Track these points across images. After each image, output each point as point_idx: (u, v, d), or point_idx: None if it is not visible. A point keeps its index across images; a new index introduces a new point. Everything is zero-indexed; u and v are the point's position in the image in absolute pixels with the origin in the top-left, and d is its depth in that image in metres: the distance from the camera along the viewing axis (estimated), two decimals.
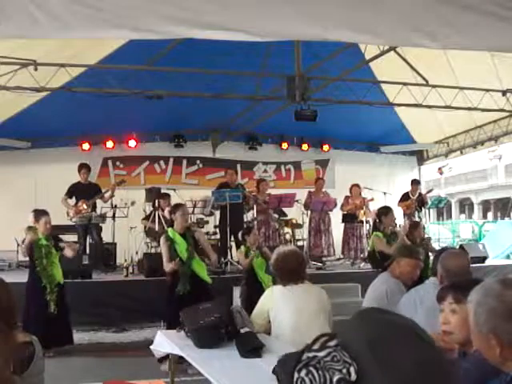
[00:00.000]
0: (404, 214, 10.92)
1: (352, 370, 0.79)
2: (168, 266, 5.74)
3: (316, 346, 0.83)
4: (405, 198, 11.16)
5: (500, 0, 3.68)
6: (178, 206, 6.15)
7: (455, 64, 9.09)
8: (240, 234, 7.14)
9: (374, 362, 0.78)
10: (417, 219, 10.68)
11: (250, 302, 6.33)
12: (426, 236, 8.11)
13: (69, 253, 6.46)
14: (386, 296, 4.16)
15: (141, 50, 7.56)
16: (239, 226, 8.62)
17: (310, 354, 0.82)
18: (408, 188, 11.42)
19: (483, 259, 10.15)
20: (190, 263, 5.71)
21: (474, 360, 1.96)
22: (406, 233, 7.94)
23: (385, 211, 6.98)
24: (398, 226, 9.44)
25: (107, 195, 9.46)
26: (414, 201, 11.00)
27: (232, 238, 9.09)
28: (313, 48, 8.04)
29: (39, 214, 6.27)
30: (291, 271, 3.79)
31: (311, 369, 0.81)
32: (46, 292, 6.10)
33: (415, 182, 11.45)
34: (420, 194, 11.30)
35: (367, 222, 10.21)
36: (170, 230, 5.93)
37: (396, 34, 3.88)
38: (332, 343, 0.83)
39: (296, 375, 0.82)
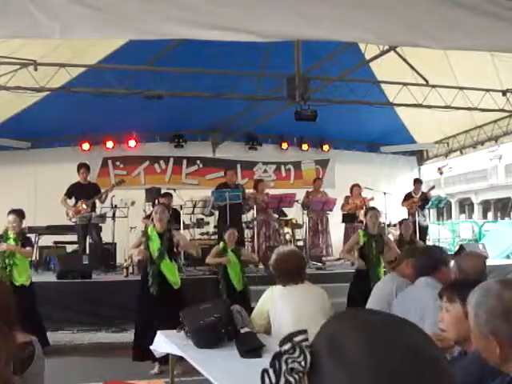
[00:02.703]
0: (408, 214, 10.91)
1: (306, 359, 0.81)
2: (130, 250, 6.28)
3: (284, 341, 0.85)
4: (408, 197, 11.17)
5: (500, 0, 3.68)
6: (156, 206, 6.35)
7: (455, 64, 9.09)
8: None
9: (327, 355, 0.78)
10: (421, 218, 10.71)
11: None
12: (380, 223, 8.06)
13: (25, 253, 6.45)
14: (394, 293, 4.13)
15: (141, 49, 7.56)
16: (238, 226, 8.62)
17: (281, 349, 0.85)
18: (409, 188, 11.43)
19: None
20: (159, 264, 5.82)
21: (474, 359, 1.96)
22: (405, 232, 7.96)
23: (366, 212, 7.06)
24: (385, 224, 9.47)
25: (103, 197, 9.45)
26: (418, 200, 11.01)
27: None
28: (313, 48, 8.03)
29: (8, 213, 6.29)
30: (291, 271, 3.79)
31: (275, 361, 0.84)
32: None
33: (418, 182, 11.46)
34: (423, 193, 11.31)
35: None
36: (150, 226, 6.01)
37: (396, 34, 3.88)
38: (298, 338, 0.85)
39: (266, 370, 0.85)
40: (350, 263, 10.24)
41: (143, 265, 6.13)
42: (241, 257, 6.88)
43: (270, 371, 0.83)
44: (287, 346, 0.82)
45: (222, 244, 6.94)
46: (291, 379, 0.80)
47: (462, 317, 2.20)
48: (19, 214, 6.31)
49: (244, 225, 9.80)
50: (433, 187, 12.07)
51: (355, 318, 0.82)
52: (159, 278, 5.82)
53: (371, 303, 4.37)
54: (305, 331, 0.85)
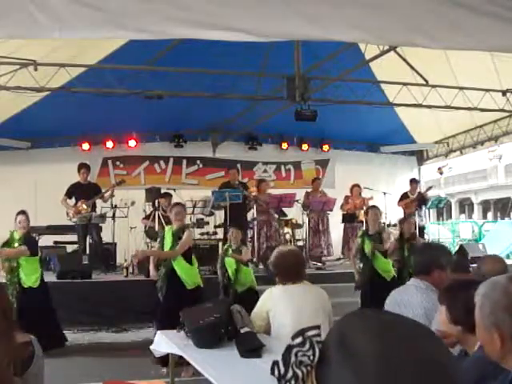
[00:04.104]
0: (405, 214, 10.92)
1: (315, 354, 0.82)
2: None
3: (297, 335, 0.86)
4: (404, 197, 11.18)
5: (500, 0, 3.68)
6: (174, 205, 6.34)
7: (455, 64, 9.09)
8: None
9: (337, 352, 0.78)
10: (417, 218, 10.69)
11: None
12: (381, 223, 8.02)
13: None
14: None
15: (141, 49, 7.56)
16: (242, 225, 8.63)
17: (293, 342, 0.86)
18: (408, 188, 11.43)
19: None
20: (169, 262, 5.81)
21: (474, 360, 1.96)
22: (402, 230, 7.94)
23: (366, 211, 7.04)
24: (385, 224, 9.47)
25: (107, 195, 9.46)
26: (414, 200, 11.01)
27: None
28: (313, 48, 8.03)
29: (17, 214, 6.29)
30: (290, 270, 3.79)
31: (285, 353, 0.85)
32: None
33: (414, 181, 11.46)
34: (419, 193, 11.31)
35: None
36: (168, 227, 6.09)
37: (396, 34, 3.88)
38: (310, 332, 0.86)
39: (276, 362, 0.86)
40: (350, 263, 10.28)
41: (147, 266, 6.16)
42: (238, 255, 6.91)
43: (280, 363, 0.84)
44: (298, 340, 0.84)
45: (226, 244, 7.07)
46: (298, 372, 0.82)
47: (445, 319, 2.21)
48: (27, 214, 6.33)
49: (250, 225, 9.82)
50: (430, 188, 12.07)
51: (370, 318, 0.82)
52: (172, 278, 5.79)
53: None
54: (318, 327, 0.86)
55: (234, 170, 10.32)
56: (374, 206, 7.24)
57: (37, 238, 9.43)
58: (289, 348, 0.85)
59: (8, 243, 6.25)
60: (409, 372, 0.74)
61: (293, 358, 0.83)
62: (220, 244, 9.38)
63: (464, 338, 2.14)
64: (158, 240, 6.15)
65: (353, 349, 0.76)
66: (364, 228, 7.18)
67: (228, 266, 6.88)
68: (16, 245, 6.19)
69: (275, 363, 0.86)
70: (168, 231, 5.96)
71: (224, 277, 6.92)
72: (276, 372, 0.85)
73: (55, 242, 10.07)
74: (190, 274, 5.88)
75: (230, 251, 6.90)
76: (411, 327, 0.81)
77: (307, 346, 0.82)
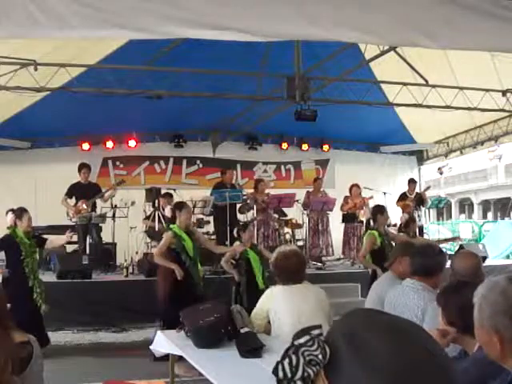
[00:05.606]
0: (403, 213, 10.92)
1: (325, 353, 0.82)
2: (159, 257, 5.84)
3: (300, 335, 0.87)
4: (402, 197, 11.18)
5: (500, 0, 3.68)
6: (183, 205, 6.22)
7: (455, 64, 9.10)
8: (235, 230, 7.01)
9: (347, 351, 0.79)
10: (416, 218, 10.70)
11: (245, 295, 6.33)
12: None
13: (60, 241, 6.40)
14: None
15: (141, 50, 7.56)
16: (234, 224, 8.62)
17: (296, 343, 0.86)
18: (407, 188, 11.44)
19: (483, 259, 10.14)
20: (196, 262, 5.81)
21: (473, 360, 1.96)
22: (402, 225, 7.93)
23: (381, 209, 6.93)
24: (390, 225, 9.49)
25: (107, 195, 9.46)
26: (412, 200, 11.02)
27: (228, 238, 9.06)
28: (313, 48, 8.04)
29: (20, 211, 6.13)
30: (291, 271, 3.79)
31: (290, 353, 0.85)
32: (36, 292, 5.95)
33: (412, 181, 11.47)
34: (417, 193, 11.32)
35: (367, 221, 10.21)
36: (175, 226, 5.91)
37: (396, 34, 3.89)
38: (314, 332, 0.86)
39: (280, 362, 0.86)
40: (350, 263, 10.29)
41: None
42: (261, 253, 6.72)
43: (285, 363, 0.84)
44: (303, 340, 0.84)
45: (238, 242, 6.71)
46: (310, 371, 0.82)
47: (441, 321, 2.22)
48: None
49: (240, 223, 9.81)
50: (428, 188, 12.07)
51: (372, 318, 0.84)
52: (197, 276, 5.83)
53: (368, 305, 4.29)
54: (319, 326, 0.86)
55: (228, 170, 10.32)
56: (383, 206, 7.18)
57: None
58: (295, 348, 0.85)
59: (16, 240, 6.06)
60: (420, 371, 0.76)
61: (301, 358, 0.83)
62: None
63: (461, 339, 2.15)
64: (167, 239, 5.90)
65: (366, 349, 0.78)
66: (370, 227, 7.06)
67: (254, 263, 6.49)
68: (28, 242, 6.06)
69: (279, 363, 0.85)
70: (180, 231, 5.84)
71: (245, 275, 6.47)
72: (281, 373, 0.84)
73: None
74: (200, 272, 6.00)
75: (249, 249, 6.53)
76: (410, 327, 0.83)
77: (315, 345, 0.82)
